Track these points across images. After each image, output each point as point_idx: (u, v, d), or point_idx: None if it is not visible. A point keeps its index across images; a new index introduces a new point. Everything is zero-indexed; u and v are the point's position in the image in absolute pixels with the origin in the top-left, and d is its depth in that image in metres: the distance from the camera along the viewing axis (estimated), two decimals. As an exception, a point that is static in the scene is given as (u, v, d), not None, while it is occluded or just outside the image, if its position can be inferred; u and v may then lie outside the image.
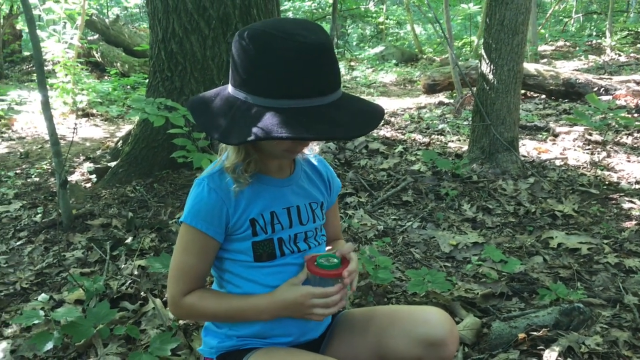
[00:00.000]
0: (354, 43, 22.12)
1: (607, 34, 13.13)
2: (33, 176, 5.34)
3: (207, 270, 1.49)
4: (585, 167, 4.73)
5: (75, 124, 3.84)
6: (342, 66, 13.67)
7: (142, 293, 2.76)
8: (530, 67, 8.17)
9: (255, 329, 1.49)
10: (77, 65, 8.51)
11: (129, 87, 10.17)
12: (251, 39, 1.23)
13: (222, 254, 1.48)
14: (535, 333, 2.27)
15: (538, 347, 2.22)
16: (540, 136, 5.95)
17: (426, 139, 5.84)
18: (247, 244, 1.45)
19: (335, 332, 1.64)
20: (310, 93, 1.22)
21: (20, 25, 13.99)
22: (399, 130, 6.50)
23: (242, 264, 1.47)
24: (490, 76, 4.47)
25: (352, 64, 15.41)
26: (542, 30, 16.53)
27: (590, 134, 5.66)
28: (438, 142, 5.71)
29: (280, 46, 1.19)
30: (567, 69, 9.49)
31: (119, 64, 11.89)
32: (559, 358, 2.13)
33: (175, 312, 1.52)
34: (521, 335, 2.28)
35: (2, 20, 13.46)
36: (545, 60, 12.28)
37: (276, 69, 1.21)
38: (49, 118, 3.49)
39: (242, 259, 1.47)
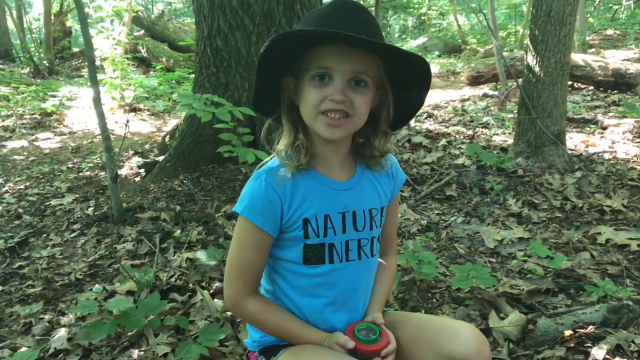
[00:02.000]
0: (396, 35, 21.97)
1: (660, 21, 12.65)
2: (84, 170, 5.53)
3: (263, 266, 1.49)
4: (635, 161, 4.60)
5: (127, 121, 3.95)
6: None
7: (190, 285, 2.84)
8: (577, 57, 7.97)
9: None
10: (125, 61, 8.73)
11: (174, 82, 10.36)
12: None
13: (274, 252, 1.49)
14: (582, 330, 2.24)
15: (585, 345, 2.19)
16: (588, 129, 5.81)
17: (470, 132, 5.78)
18: (298, 246, 1.45)
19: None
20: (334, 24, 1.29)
21: (70, 22, 14.40)
22: (443, 124, 6.46)
23: (291, 265, 1.48)
24: (537, 68, 4.39)
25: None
26: (591, 19, 16.04)
27: (641, 127, 5.50)
28: (482, 135, 5.65)
29: (314, 9, 1.42)
30: (616, 58, 9.19)
31: (164, 59, 12.11)
32: (607, 356, 2.09)
33: (234, 311, 1.52)
34: (567, 332, 2.25)
35: (52, 18, 13.89)
36: (593, 50, 11.92)
37: (304, 20, 1.40)
38: (101, 114, 3.61)
39: (291, 259, 1.47)
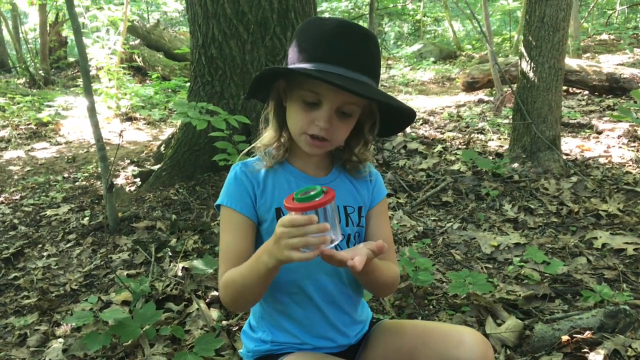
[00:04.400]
0: (392, 41, 22.03)
1: (654, 25, 12.71)
2: (80, 180, 5.52)
3: (247, 250, 1.44)
4: (630, 165, 4.61)
5: (121, 131, 3.94)
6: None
7: (186, 294, 2.83)
8: (572, 62, 8.00)
9: (288, 337, 1.51)
10: (120, 70, 8.74)
11: (170, 90, 10.38)
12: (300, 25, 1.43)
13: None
14: (579, 336, 2.24)
15: (582, 350, 2.18)
16: (583, 133, 5.83)
17: (466, 138, 5.78)
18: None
19: (370, 343, 1.63)
20: (332, 58, 1.31)
21: (66, 32, 14.42)
22: (438, 129, 6.47)
23: None
24: (531, 74, 4.40)
25: (390, 62, 15.35)
26: (585, 24, 16.11)
27: (636, 131, 5.51)
28: (478, 141, 5.65)
29: (317, 23, 1.39)
30: (611, 63, 9.24)
31: (160, 68, 12.12)
32: (604, 362, 2.10)
33: (220, 295, 1.47)
34: (564, 338, 2.25)
35: (48, 28, 13.90)
36: (588, 54, 11.98)
37: (307, 37, 1.38)
38: (95, 124, 3.61)
39: None
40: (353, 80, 1.30)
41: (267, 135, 1.50)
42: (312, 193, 1.20)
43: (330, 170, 1.55)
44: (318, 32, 1.35)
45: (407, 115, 1.46)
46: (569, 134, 5.80)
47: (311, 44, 1.35)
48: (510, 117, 5.36)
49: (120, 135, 3.54)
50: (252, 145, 1.54)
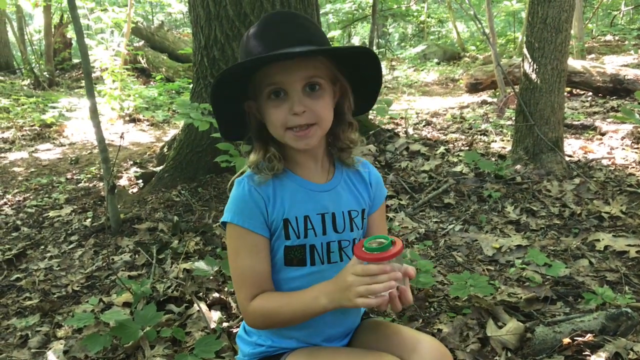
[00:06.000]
0: (395, 42, 22.03)
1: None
2: (83, 181, 5.53)
3: (266, 270, 1.46)
4: (633, 167, 4.59)
5: (122, 133, 3.95)
6: (384, 66, 13.63)
7: (187, 296, 2.83)
8: (576, 63, 7.98)
9: (293, 343, 1.52)
10: (124, 72, 8.76)
11: (174, 92, 10.39)
12: None
13: None
14: (580, 338, 2.23)
15: (583, 353, 2.17)
16: (587, 135, 5.81)
17: (469, 140, 5.77)
18: (280, 248, 1.46)
19: (356, 335, 1.64)
20: (267, 44, 1.34)
21: (70, 34, 14.46)
22: (441, 131, 6.46)
23: (274, 268, 1.48)
24: (533, 76, 4.39)
25: (394, 63, 15.34)
26: (590, 25, 16.07)
27: (640, 132, 5.50)
28: (481, 143, 5.64)
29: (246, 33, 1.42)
30: (615, 64, 9.21)
31: (164, 69, 12.15)
32: (606, 365, 2.09)
33: (248, 321, 1.48)
34: (566, 341, 2.24)
35: (53, 30, 13.94)
36: (592, 55, 11.94)
37: (242, 45, 1.42)
38: (97, 125, 3.62)
39: (273, 262, 1.48)
40: (292, 52, 1.31)
41: (254, 153, 1.48)
42: (383, 243, 1.26)
43: (333, 173, 1.55)
44: (250, 35, 1.39)
45: (371, 67, 1.45)
46: (572, 136, 5.78)
47: (245, 47, 1.39)
48: (513, 118, 5.35)
49: (121, 137, 3.54)
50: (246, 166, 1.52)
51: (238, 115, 1.46)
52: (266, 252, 1.46)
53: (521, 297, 2.67)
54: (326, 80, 1.40)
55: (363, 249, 1.26)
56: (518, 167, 4.46)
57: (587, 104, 7.46)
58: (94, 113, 3.64)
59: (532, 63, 4.40)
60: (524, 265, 3.03)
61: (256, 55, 1.33)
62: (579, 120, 6.33)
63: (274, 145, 1.45)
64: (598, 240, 3.29)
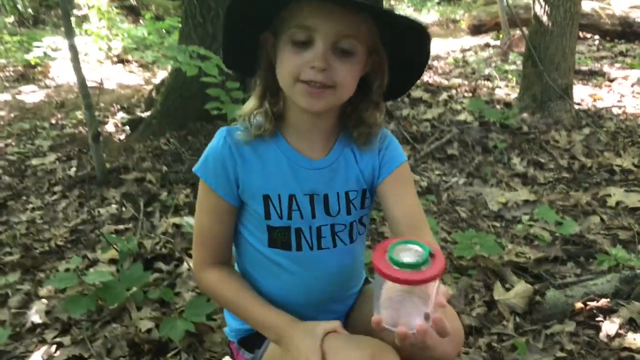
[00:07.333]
0: (394, -19, 21.34)
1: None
2: (68, 127, 5.31)
3: (226, 235, 1.32)
4: (645, 116, 4.41)
5: (101, 79, 3.73)
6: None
7: (176, 253, 2.69)
8: (584, 4, 7.65)
9: None
10: (112, 10, 8.39)
11: (164, 31, 10.01)
12: None
13: (241, 230, 1.33)
14: (593, 303, 2.11)
15: (596, 319, 2.07)
16: (595, 81, 5.59)
17: (472, 85, 5.55)
18: (262, 225, 1.28)
19: (356, 304, 1.48)
20: None
21: (55, -32, 13.89)
22: (443, 76, 6.21)
23: (256, 246, 1.31)
24: (545, 18, 4.16)
25: (393, 2, 14.86)
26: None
27: (651, 79, 5.29)
28: (485, 89, 5.42)
29: None
30: (623, 5, 8.87)
31: (153, 7, 11.75)
32: (620, 331, 1.99)
33: (197, 284, 1.39)
34: (578, 305, 2.13)
35: (36, -36, 13.37)
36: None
37: None
38: (78, 69, 3.38)
39: (256, 239, 1.31)
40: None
41: (249, 101, 1.27)
42: (419, 254, 0.87)
43: (332, 146, 1.31)
44: None
45: (418, 48, 1.22)
46: (580, 82, 5.55)
47: None
48: (518, 63, 5.13)
49: (100, 83, 3.31)
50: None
51: (249, 46, 1.22)
52: (229, 219, 1.30)
53: (530, 257, 2.55)
54: (363, 47, 1.16)
55: (388, 259, 0.88)
56: (525, 115, 4.28)
57: (595, 48, 7.20)
58: (74, 54, 3.39)
59: (543, 4, 4.17)
60: (531, 222, 2.89)
61: None
62: (586, 66, 6.10)
63: (274, 99, 1.24)
64: (609, 195, 3.16)
